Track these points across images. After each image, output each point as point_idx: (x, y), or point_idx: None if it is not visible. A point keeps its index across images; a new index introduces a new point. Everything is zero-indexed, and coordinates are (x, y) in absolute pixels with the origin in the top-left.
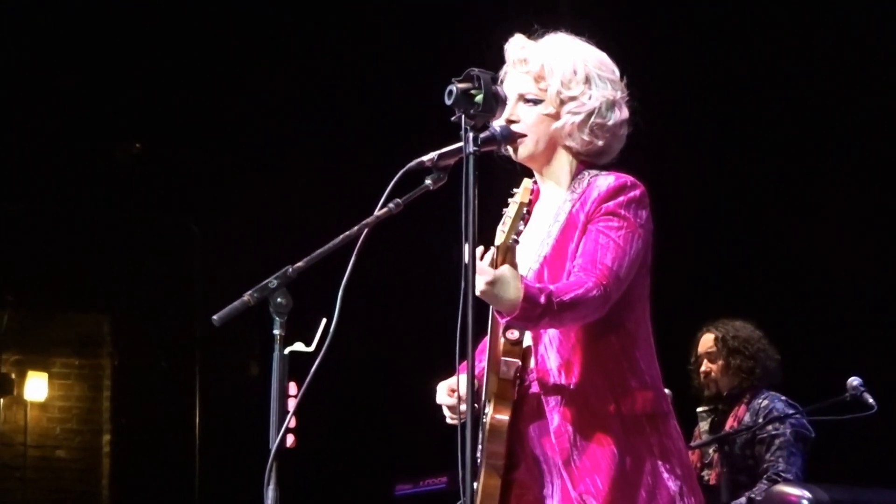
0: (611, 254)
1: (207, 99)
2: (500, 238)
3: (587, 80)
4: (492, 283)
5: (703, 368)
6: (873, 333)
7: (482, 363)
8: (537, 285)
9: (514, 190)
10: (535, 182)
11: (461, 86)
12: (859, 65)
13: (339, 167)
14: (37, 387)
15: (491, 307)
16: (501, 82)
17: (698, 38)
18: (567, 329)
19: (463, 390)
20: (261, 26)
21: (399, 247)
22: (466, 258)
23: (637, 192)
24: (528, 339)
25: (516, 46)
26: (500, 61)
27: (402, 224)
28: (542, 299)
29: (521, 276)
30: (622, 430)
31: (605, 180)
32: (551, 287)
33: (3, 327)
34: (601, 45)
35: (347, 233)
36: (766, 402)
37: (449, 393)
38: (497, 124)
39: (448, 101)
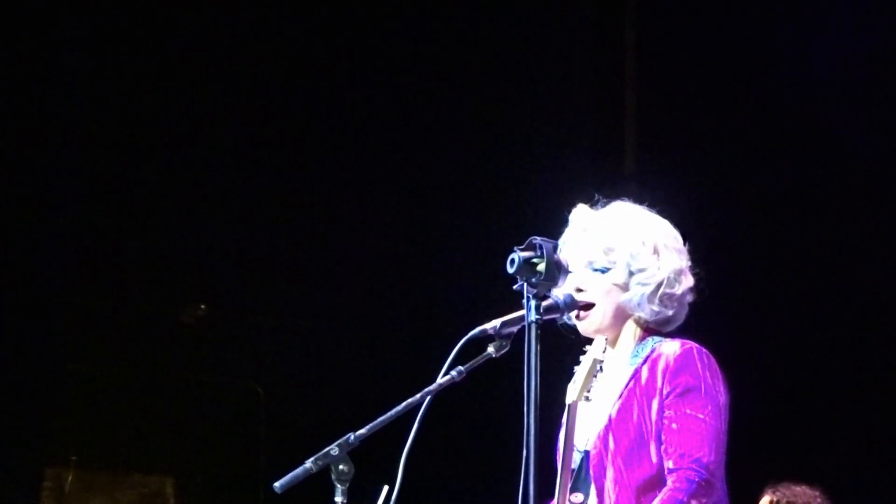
0: (705, 439)
1: (270, 261)
2: (571, 395)
3: (655, 251)
4: None
5: None
6: None
7: None
8: None
9: (587, 347)
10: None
11: (523, 254)
12: None
13: (399, 331)
14: None
15: (560, 468)
16: (560, 250)
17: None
18: (636, 493)
19: None
20: (314, 195)
21: (464, 412)
22: (531, 425)
23: (707, 360)
24: (592, 501)
25: (581, 216)
26: (558, 227)
27: (466, 390)
28: None
29: None
30: None
31: (671, 347)
32: None
33: (66, 488)
34: (665, 211)
35: (410, 400)
36: None
37: None
38: (560, 293)
39: (510, 270)
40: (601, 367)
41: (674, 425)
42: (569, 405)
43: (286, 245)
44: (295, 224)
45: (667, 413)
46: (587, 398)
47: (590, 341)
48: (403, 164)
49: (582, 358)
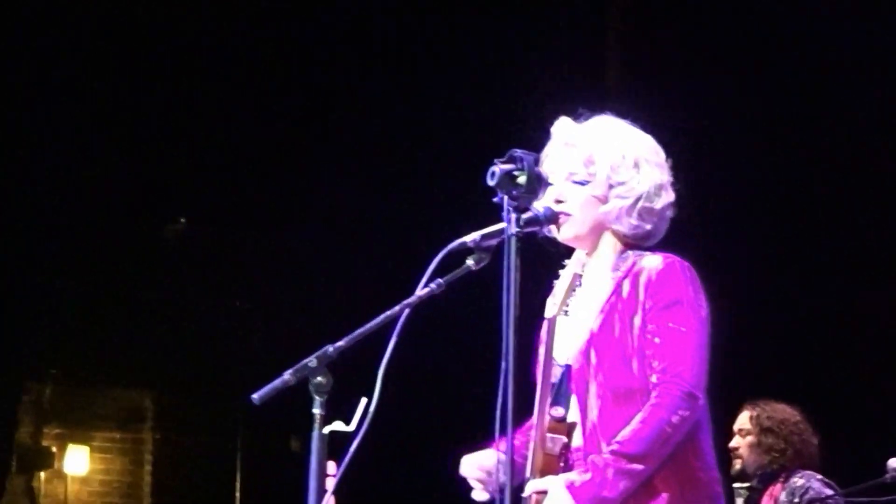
0: (688, 353)
1: (256, 179)
2: (550, 310)
3: (636, 165)
4: None
5: (732, 443)
6: None
7: (525, 438)
8: (593, 463)
9: (566, 261)
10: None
11: (504, 167)
12: None
13: (381, 246)
14: (78, 460)
15: (538, 384)
16: (541, 163)
17: (745, 115)
18: (618, 406)
19: (503, 471)
20: (302, 115)
21: (441, 326)
22: (509, 338)
23: (689, 274)
24: (573, 416)
25: (564, 129)
26: (542, 140)
27: (444, 303)
28: (605, 478)
29: (567, 481)
30: None
31: (653, 261)
32: (609, 455)
33: (45, 401)
34: (647, 126)
35: (388, 312)
36: (802, 481)
37: (477, 468)
38: (540, 205)
39: (490, 182)
40: (580, 282)
41: (656, 339)
42: (548, 319)
43: (267, 161)
44: (273, 138)
45: (649, 327)
46: (566, 312)
47: (570, 254)
48: (388, 79)
49: (561, 272)
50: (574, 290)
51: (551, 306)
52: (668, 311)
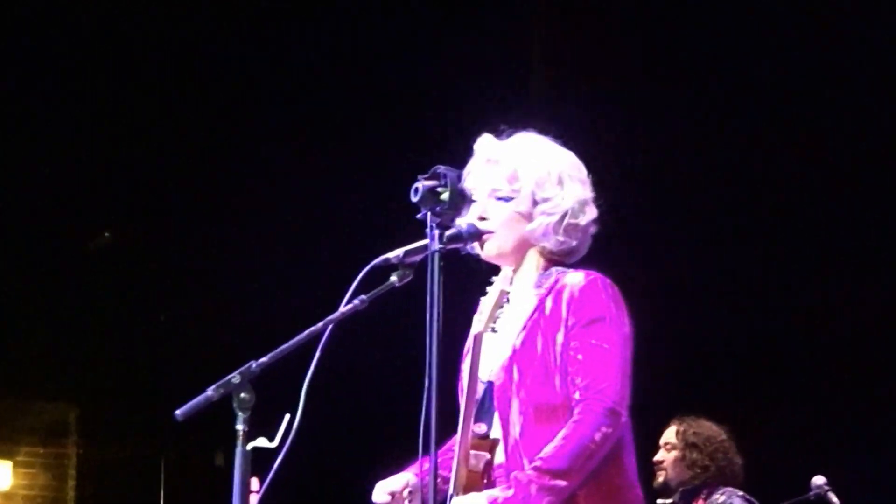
0: (612, 369)
1: (176, 187)
2: (476, 326)
3: (560, 181)
4: None
5: (657, 457)
6: (838, 431)
7: (447, 456)
8: (516, 479)
9: (493, 278)
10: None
11: (427, 183)
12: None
13: (304, 262)
14: (1, 475)
15: (464, 398)
16: (464, 180)
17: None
18: (540, 423)
19: (427, 488)
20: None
21: (365, 342)
22: (433, 355)
23: (611, 291)
24: (496, 432)
25: (486, 146)
26: (463, 153)
27: (369, 319)
28: (528, 495)
29: (490, 498)
30: None
31: (575, 278)
32: (532, 471)
33: None
34: (573, 136)
35: (312, 328)
36: (723, 498)
37: (387, 492)
38: (464, 222)
39: (414, 199)
40: (507, 299)
41: (579, 356)
42: (474, 336)
43: (192, 173)
44: (195, 152)
45: (572, 344)
46: (493, 329)
47: (496, 272)
48: (307, 94)
49: (488, 289)
50: (502, 307)
51: (477, 323)
52: (591, 328)
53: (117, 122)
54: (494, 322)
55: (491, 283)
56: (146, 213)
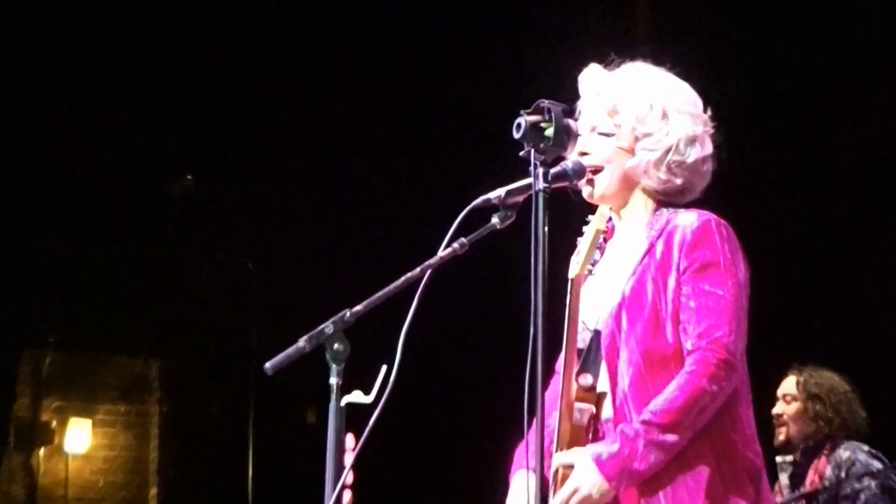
0: (726, 317)
1: (264, 135)
2: (574, 269)
3: (664, 115)
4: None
5: (776, 409)
6: None
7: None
8: (622, 433)
9: (590, 217)
10: (610, 220)
11: (530, 118)
12: None
13: (400, 204)
14: (79, 436)
15: (563, 348)
16: (578, 115)
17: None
18: (651, 374)
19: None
20: (311, 61)
21: (464, 289)
22: (538, 303)
23: (726, 233)
24: (603, 384)
25: (590, 78)
26: (575, 92)
27: (467, 264)
28: (635, 450)
29: (595, 454)
30: (723, 491)
31: (687, 219)
32: (640, 425)
33: (44, 371)
34: (683, 73)
35: (409, 274)
36: (847, 453)
37: None
38: (569, 159)
39: (517, 135)
40: (604, 239)
41: (691, 303)
42: (571, 280)
43: (280, 118)
44: (287, 95)
45: (684, 290)
46: (590, 272)
47: (594, 209)
48: (400, 36)
49: (585, 229)
50: (598, 249)
51: (574, 265)
52: (704, 273)
53: (205, 72)
54: (592, 265)
55: (587, 223)
56: (229, 156)
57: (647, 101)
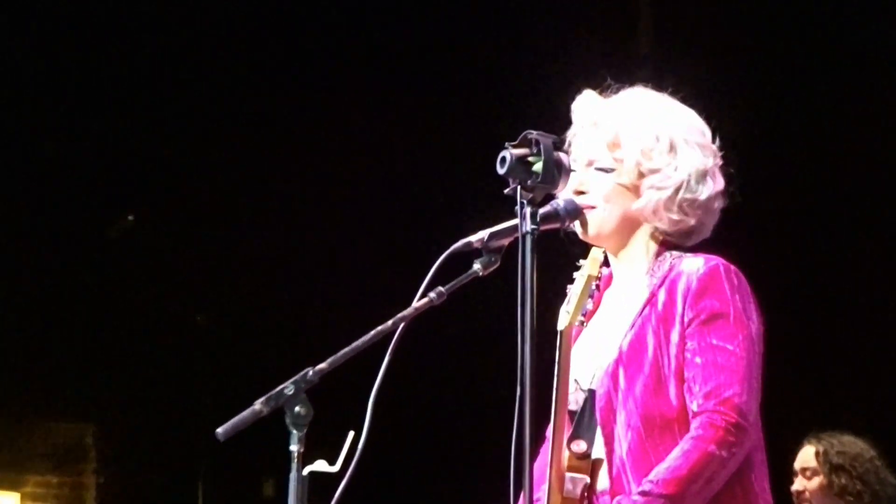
0: (736, 375)
1: (217, 170)
2: (563, 320)
3: (672, 148)
4: None
5: (795, 486)
6: None
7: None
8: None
9: (581, 262)
10: (605, 265)
11: (516, 152)
12: None
13: (371, 249)
14: None
15: (553, 410)
16: (568, 147)
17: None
18: (652, 439)
19: None
20: (268, 98)
21: (442, 343)
22: (526, 358)
23: (737, 280)
24: (598, 451)
25: (586, 105)
26: (567, 121)
27: (445, 316)
28: None
29: None
30: None
31: (693, 265)
32: (640, 497)
33: None
34: (688, 97)
35: (380, 328)
36: None
37: None
38: (561, 197)
39: (501, 170)
40: (597, 286)
41: (697, 359)
42: (560, 332)
43: (229, 154)
44: (238, 127)
45: (689, 344)
46: (582, 323)
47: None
48: (386, 54)
49: (576, 275)
50: (590, 297)
51: (564, 316)
52: (712, 326)
53: (152, 101)
54: (583, 315)
55: (579, 267)
56: (177, 196)
57: (652, 132)
